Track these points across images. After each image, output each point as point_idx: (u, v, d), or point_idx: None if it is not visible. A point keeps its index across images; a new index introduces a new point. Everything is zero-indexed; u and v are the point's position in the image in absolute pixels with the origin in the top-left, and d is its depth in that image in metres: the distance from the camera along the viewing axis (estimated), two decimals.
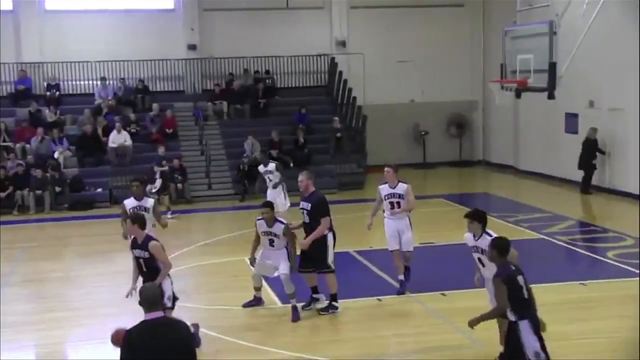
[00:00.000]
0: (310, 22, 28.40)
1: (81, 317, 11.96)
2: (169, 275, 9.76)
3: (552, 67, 15.02)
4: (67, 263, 16.04)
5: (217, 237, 17.34)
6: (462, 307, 11.68)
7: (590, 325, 10.61)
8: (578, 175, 23.29)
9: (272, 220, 11.27)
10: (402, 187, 12.30)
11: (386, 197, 12.31)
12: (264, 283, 12.09)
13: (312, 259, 11.21)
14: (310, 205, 11.15)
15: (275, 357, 9.85)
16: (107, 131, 24.08)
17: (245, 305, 11.73)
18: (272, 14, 27.86)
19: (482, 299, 12.07)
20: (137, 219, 9.93)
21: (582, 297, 11.99)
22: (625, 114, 21.26)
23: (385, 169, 12.31)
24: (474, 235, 9.18)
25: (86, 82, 26.17)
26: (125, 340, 6.03)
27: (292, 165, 23.20)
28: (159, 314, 6.12)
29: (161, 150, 22.38)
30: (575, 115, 23.55)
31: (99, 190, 22.64)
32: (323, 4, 28.52)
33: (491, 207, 21.16)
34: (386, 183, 12.39)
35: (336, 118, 25.73)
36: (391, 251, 12.41)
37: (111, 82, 26.27)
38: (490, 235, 8.88)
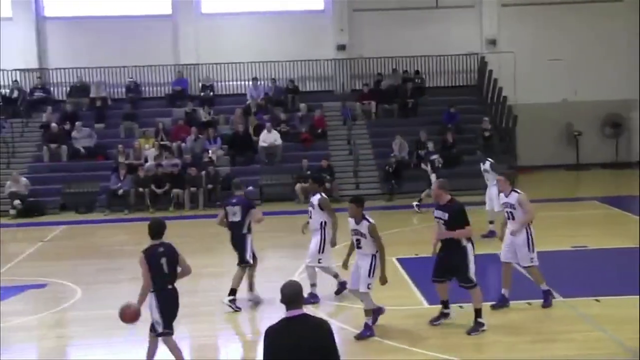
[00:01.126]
0: (459, 21, 28.13)
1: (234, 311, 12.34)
2: None
3: None
4: (221, 258, 16.58)
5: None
6: (617, 314, 11.28)
7: None
8: None
9: (359, 217, 10.45)
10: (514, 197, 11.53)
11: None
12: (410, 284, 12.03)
13: (450, 270, 10.59)
14: (447, 215, 10.43)
15: (419, 357, 9.84)
16: (257, 130, 24.75)
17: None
18: (422, 13, 27.80)
19: (637, 306, 11.63)
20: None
21: None
22: None
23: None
24: None
25: (239, 83, 27.10)
26: (265, 338, 5.98)
27: (440, 165, 23.01)
28: (299, 311, 6.00)
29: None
30: None
31: (250, 188, 23.22)
32: (473, 2, 28.20)
33: None
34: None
35: (486, 118, 25.31)
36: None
37: (262, 82, 27.03)
38: None
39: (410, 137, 24.25)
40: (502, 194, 11.89)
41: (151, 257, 9.03)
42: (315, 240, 12.25)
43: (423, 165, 20.75)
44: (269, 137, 24.26)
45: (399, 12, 27.73)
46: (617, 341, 10.21)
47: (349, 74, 27.76)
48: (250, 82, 26.74)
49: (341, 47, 27.62)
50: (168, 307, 9.05)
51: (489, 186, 16.94)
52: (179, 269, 9.27)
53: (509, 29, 27.93)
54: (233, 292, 12.09)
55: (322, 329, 6.04)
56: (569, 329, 10.76)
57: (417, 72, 27.57)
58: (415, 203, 20.54)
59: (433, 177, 17.41)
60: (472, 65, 27.94)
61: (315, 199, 12.39)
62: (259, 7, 27.82)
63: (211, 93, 26.69)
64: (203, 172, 22.75)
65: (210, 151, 23.98)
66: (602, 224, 18.93)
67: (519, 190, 11.68)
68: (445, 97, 26.55)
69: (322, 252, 12.19)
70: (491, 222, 16.89)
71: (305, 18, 27.91)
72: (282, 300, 6.06)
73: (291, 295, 6.06)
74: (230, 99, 26.87)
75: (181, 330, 11.72)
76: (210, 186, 22.53)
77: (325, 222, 12.22)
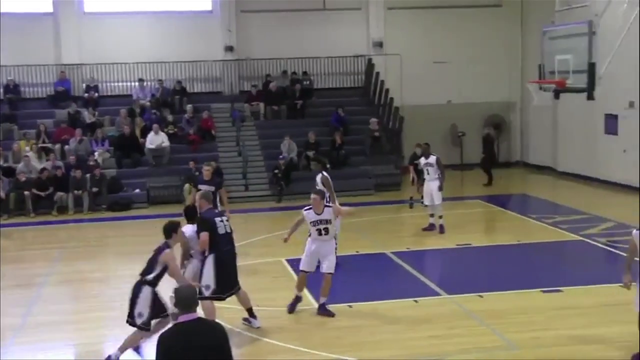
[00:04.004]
0: (347, 23, 28.41)
1: (120, 317, 12.01)
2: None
3: (592, 67, 14.88)
4: (106, 263, 16.21)
5: (254, 238, 17.39)
6: (499, 309, 11.65)
7: (629, 327, 10.44)
8: (617, 176, 23.05)
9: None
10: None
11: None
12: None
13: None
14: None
15: (310, 357, 9.86)
16: (145, 132, 24.31)
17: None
18: (310, 15, 27.93)
19: (519, 300, 12.05)
20: None
21: (622, 299, 11.78)
22: None
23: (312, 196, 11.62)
24: None
25: (124, 84, 26.50)
26: (158, 344, 5.82)
27: (329, 166, 23.17)
28: (193, 315, 5.89)
29: None
30: (615, 117, 23.24)
31: (137, 191, 22.85)
32: (360, 5, 28.52)
33: (529, 209, 21.04)
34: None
35: (373, 119, 25.67)
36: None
37: (149, 83, 26.55)
38: None
39: (299, 138, 24.33)
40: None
41: None
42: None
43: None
44: (156, 139, 23.85)
45: (286, 14, 27.78)
46: (499, 334, 10.53)
47: (237, 75, 27.60)
48: (137, 83, 26.22)
49: (229, 49, 27.44)
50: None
51: (429, 180, 17.24)
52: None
53: (395, 32, 28.41)
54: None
55: (216, 332, 5.95)
56: (455, 325, 11.03)
57: (305, 73, 27.69)
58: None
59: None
60: (359, 67, 28.28)
61: (318, 177, 14.47)
62: (145, 7, 27.27)
63: (96, 94, 25.98)
64: (88, 175, 22.16)
65: (96, 153, 23.37)
66: (484, 221, 19.54)
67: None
68: (334, 99, 26.77)
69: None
70: (431, 216, 17.30)
71: (193, 19, 27.58)
72: (176, 305, 5.97)
73: (185, 299, 5.94)
74: (115, 100, 26.23)
75: (66, 337, 11.43)
76: (95, 189, 21.95)
77: (329, 196, 13.78)
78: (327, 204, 11.77)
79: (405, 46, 28.08)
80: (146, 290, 9.58)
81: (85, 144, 23.74)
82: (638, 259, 9.15)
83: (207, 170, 15.24)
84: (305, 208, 11.50)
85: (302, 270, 11.62)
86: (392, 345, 10.29)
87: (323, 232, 11.40)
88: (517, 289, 12.70)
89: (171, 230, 9.82)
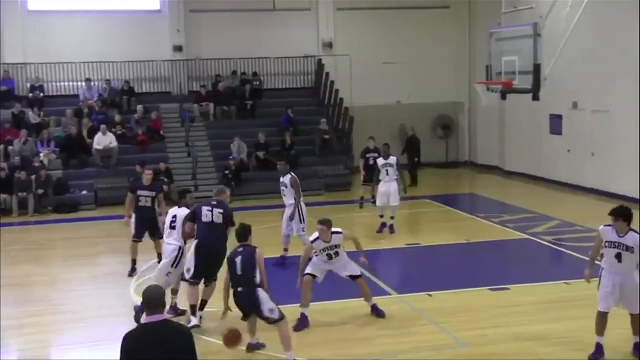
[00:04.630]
0: (297, 24, 28.41)
1: (69, 320, 11.88)
2: None
3: (537, 68, 15.11)
4: (53, 266, 15.95)
5: None
6: (447, 307, 11.78)
7: (574, 323, 10.69)
8: (562, 175, 23.51)
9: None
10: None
11: None
12: None
13: None
14: None
15: (258, 357, 9.84)
16: (92, 133, 23.99)
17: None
18: (259, 15, 27.86)
19: (467, 299, 12.20)
20: None
21: (566, 296, 12.08)
22: (609, 115, 21.35)
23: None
24: (617, 232, 9.13)
25: (71, 84, 26.09)
26: (122, 343, 5.73)
27: (278, 167, 23.18)
28: (160, 316, 5.78)
29: None
30: (560, 117, 23.69)
31: (84, 192, 22.53)
32: (310, 5, 28.56)
33: (477, 208, 21.30)
34: None
35: (323, 119, 25.75)
36: None
37: (96, 83, 26.21)
38: (637, 232, 9.02)
39: (249, 138, 24.28)
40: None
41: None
42: (295, 214, 14.32)
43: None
44: (103, 140, 23.56)
45: (236, 14, 27.67)
46: (447, 332, 10.65)
47: (186, 76, 27.41)
48: (83, 83, 25.85)
49: (178, 48, 27.23)
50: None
51: (388, 181, 17.19)
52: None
53: (345, 33, 28.51)
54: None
55: (182, 336, 5.86)
56: (405, 324, 11.11)
57: (255, 74, 27.62)
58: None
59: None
60: (309, 67, 28.32)
61: (287, 178, 14.56)
62: (92, 6, 26.88)
63: (41, 94, 25.52)
64: (33, 176, 21.78)
65: (41, 154, 22.98)
66: (433, 221, 19.72)
67: None
68: (284, 99, 26.76)
69: (303, 221, 14.33)
70: (381, 216, 17.34)
71: (141, 18, 27.29)
72: (143, 305, 5.87)
73: (152, 299, 5.84)
74: (62, 100, 25.79)
75: (10, 342, 11.20)
76: (41, 191, 21.59)
77: (296, 198, 14.35)
78: (336, 231, 11.04)
79: (354, 47, 28.19)
80: (262, 293, 9.55)
81: (30, 145, 23.32)
82: (602, 253, 9.36)
83: (147, 175, 14.50)
84: (312, 239, 11.05)
85: (308, 274, 11.04)
86: (343, 344, 10.33)
87: (334, 255, 11.10)
88: (465, 287, 12.86)
89: (246, 233, 9.92)
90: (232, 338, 9.20)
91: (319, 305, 11.27)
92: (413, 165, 25.47)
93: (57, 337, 11.37)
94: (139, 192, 14.30)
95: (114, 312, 12.14)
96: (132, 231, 14.27)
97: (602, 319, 9.36)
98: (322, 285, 11.21)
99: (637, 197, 19.38)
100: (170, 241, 11.57)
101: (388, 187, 17.14)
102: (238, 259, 9.53)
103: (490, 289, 12.63)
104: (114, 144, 23.66)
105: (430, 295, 12.43)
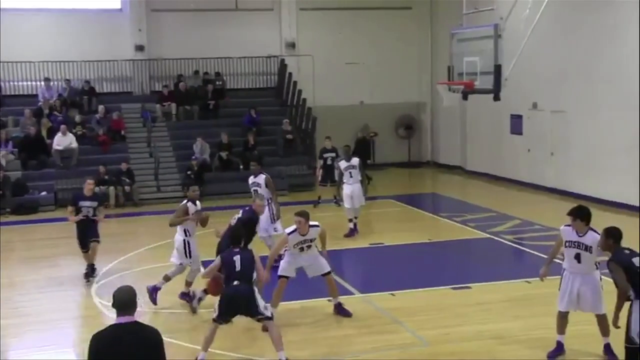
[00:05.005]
0: (259, 24, 28.34)
1: (30, 323, 11.72)
2: None
3: (498, 69, 15.22)
4: (12, 269, 15.72)
5: (166, 240, 17.08)
6: (410, 307, 11.84)
7: (535, 321, 10.82)
8: (523, 175, 23.77)
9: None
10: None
11: None
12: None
13: None
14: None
15: (219, 358, 9.80)
16: (51, 133, 23.69)
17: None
18: (222, 15, 27.74)
19: (430, 298, 12.28)
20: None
21: (527, 294, 12.21)
22: (567, 115, 21.67)
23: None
24: (577, 232, 9.19)
25: (29, 83, 25.67)
26: (90, 343, 5.68)
27: (242, 167, 23.19)
28: (130, 318, 5.72)
29: None
30: (520, 117, 23.96)
31: (44, 193, 22.24)
32: (272, 5, 28.51)
33: (439, 207, 21.47)
34: None
35: (286, 120, 25.74)
36: None
37: (56, 82, 25.87)
38: (596, 232, 9.05)
39: (212, 139, 24.18)
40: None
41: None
42: (265, 215, 13.64)
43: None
44: (63, 140, 23.27)
45: (198, 14, 27.52)
46: (410, 331, 10.71)
47: (148, 75, 27.18)
48: (42, 83, 25.50)
49: (139, 48, 27.00)
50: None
51: (353, 183, 17.13)
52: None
53: (308, 33, 28.52)
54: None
55: (151, 338, 5.79)
56: (368, 323, 11.16)
57: (217, 73, 27.50)
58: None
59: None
60: (272, 67, 28.27)
61: (261, 178, 14.56)
62: (51, 4, 26.54)
63: None
64: None
65: None
66: (396, 221, 19.79)
67: None
68: (247, 99, 26.70)
69: (275, 221, 14.21)
70: (350, 220, 17.29)
71: (102, 17, 27.01)
72: (114, 305, 5.80)
73: (123, 300, 5.79)
74: (20, 99, 25.39)
75: None
76: None
77: (270, 198, 14.26)
78: (313, 224, 11.06)
79: (317, 47, 28.21)
80: (256, 291, 9.77)
81: None
82: (563, 253, 9.45)
83: (89, 185, 14.16)
84: (289, 231, 11.03)
85: (282, 276, 11.19)
86: (305, 344, 10.33)
87: (306, 248, 11.11)
88: (428, 286, 12.95)
89: (241, 238, 10.10)
90: (216, 285, 9.68)
91: (281, 306, 11.25)
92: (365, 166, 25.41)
93: (16, 340, 11.19)
94: (81, 204, 14.04)
95: (75, 314, 12.01)
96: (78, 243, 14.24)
97: (562, 318, 9.51)
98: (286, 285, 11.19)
99: (595, 196, 19.72)
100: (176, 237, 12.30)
101: (352, 189, 17.12)
102: (237, 257, 9.57)
103: (452, 288, 12.73)
104: (75, 144, 23.38)
105: (393, 294, 12.49)
